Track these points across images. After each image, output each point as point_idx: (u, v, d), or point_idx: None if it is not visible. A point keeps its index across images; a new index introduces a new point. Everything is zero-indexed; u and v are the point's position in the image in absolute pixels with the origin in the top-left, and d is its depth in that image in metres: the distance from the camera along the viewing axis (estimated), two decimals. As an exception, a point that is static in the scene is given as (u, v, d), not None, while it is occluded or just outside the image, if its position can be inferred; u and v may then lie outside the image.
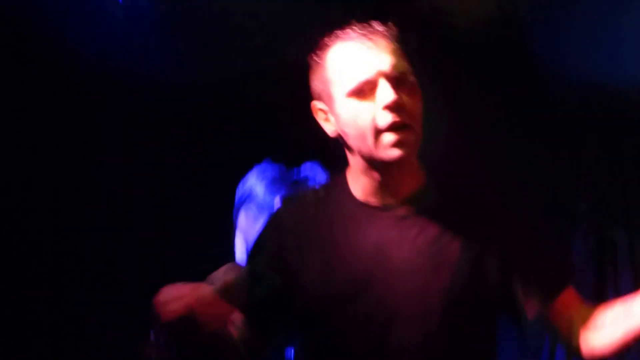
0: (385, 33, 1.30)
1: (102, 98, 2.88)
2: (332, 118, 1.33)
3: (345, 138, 1.32)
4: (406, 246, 1.31)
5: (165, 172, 3.19)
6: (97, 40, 2.47)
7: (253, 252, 1.48)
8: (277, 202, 2.25)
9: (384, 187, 1.33)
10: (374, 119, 1.25)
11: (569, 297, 1.33)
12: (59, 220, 2.98)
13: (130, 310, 2.58)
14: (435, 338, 1.28)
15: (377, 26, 1.31)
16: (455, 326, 1.29)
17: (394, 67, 1.26)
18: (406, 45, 1.33)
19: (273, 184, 2.31)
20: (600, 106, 3.06)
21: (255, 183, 2.32)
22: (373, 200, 1.34)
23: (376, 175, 1.31)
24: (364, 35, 1.29)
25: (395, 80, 1.25)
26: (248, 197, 2.25)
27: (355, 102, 1.27)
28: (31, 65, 2.68)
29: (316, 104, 1.37)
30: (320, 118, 1.37)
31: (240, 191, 2.36)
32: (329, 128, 1.35)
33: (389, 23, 1.33)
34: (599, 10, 2.64)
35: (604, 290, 3.32)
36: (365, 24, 1.32)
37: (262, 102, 2.56)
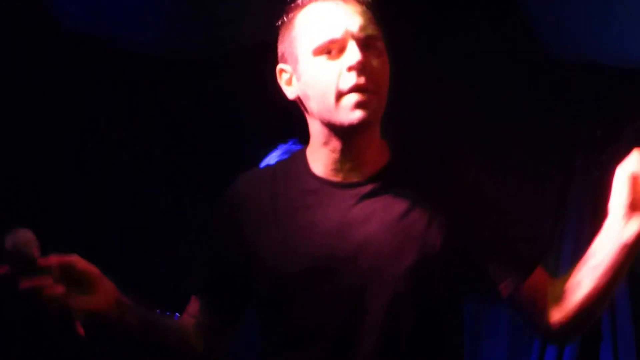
0: None
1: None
2: (294, 80, 1.31)
3: (306, 101, 1.29)
4: (372, 224, 1.27)
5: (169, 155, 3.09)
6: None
7: (209, 231, 1.45)
8: None
9: (346, 161, 1.30)
10: (337, 81, 1.22)
11: (539, 277, 1.29)
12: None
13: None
14: (404, 317, 1.25)
15: None
16: (423, 304, 1.27)
17: (363, 29, 1.24)
18: (380, 11, 1.31)
19: None
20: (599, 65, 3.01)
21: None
22: (335, 177, 1.31)
23: (337, 144, 1.28)
24: None
25: (364, 43, 1.23)
26: None
27: (320, 61, 1.24)
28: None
29: (280, 66, 1.34)
30: (282, 80, 1.34)
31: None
32: (290, 90, 1.32)
33: None
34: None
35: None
36: None
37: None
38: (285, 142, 2.35)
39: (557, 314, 1.25)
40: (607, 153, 2.93)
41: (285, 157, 2.14)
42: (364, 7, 1.28)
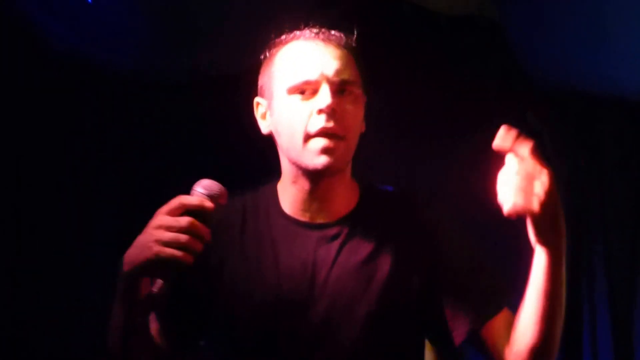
0: (341, 41, 1.32)
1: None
2: (268, 115, 1.34)
3: (277, 137, 1.32)
4: (335, 268, 1.30)
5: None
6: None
7: None
8: None
9: (313, 201, 1.33)
10: (307, 122, 1.25)
11: (503, 318, 1.29)
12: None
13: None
14: (362, 358, 1.28)
15: (335, 32, 1.33)
16: (381, 349, 1.30)
17: (339, 73, 1.27)
18: (361, 55, 1.34)
19: None
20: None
21: None
22: (303, 217, 1.34)
23: (306, 184, 1.31)
24: (318, 38, 1.31)
25: (338, 87, 1.27)
26: None
27: (293, 100, 1.28)
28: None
29: (257, 99, 1.37)
30: (258, 113, 1.37)
31: None
32: (264, 125, 1.36)
33: (349, 33, 1.34)
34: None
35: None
36: (323, 29, 1.34)
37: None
38: None
39: (512, 353, 1.24)
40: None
41: None
42: (344, 51, 1.31)
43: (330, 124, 1.24)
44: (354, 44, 1.34)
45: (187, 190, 1.24)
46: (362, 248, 1.31)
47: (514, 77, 3.02)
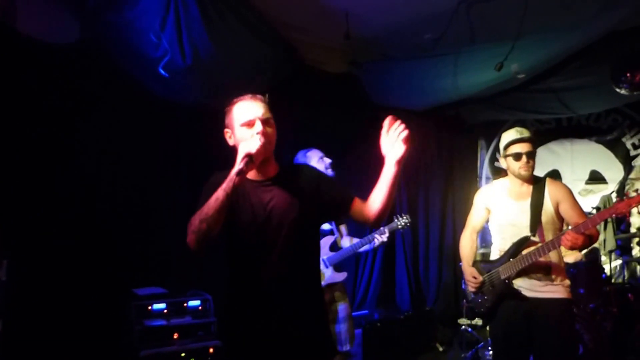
0: (262, 100, 2.28)
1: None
2: (232, 137, 2.27)
3: (238, 145, 2.19)
4: (273, 199, 2.21)
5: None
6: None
7: (204, 188, 2.28)
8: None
9: (258, 171, 2.24)
10: (251, 138, 2.16)
11: (357, 203, 2.24)
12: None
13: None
14: (293, 239, 2.19)
15: (259, 96, 2.29)
16: (302, 233, 2.21)
17: (264, 114, 2.22)
18: (270, 106, 2.29)
19: (318, 162, 3.76)
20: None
21: (307, 158, 3.76)
22: (255, 178, 2.26)
23: (253, 165, 2.13)
24: (252, 99, 2.26)
25: (264, 121, 2.20)
26: None
27: (243, 129, 2.21)
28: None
29: (226, 129, 2.28)
30: (227, 136, 2.29)
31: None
32: (230, 141, 2.27)
33: (265, 96, 2.30)
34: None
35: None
36: (253, 95, 2.29)
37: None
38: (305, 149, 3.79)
39: (371, 214, 2.19)
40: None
41: (314, 155, 3.75)
42: (265, 104, 2.25)
43: (263, 139, 2.16)
44: (267, 102, 2.28)
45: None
46: (283, 189, 2.22)
47: (365, 103, 4.58)
